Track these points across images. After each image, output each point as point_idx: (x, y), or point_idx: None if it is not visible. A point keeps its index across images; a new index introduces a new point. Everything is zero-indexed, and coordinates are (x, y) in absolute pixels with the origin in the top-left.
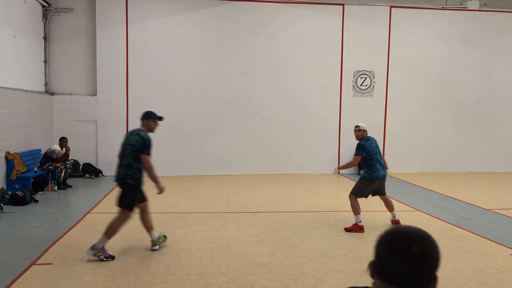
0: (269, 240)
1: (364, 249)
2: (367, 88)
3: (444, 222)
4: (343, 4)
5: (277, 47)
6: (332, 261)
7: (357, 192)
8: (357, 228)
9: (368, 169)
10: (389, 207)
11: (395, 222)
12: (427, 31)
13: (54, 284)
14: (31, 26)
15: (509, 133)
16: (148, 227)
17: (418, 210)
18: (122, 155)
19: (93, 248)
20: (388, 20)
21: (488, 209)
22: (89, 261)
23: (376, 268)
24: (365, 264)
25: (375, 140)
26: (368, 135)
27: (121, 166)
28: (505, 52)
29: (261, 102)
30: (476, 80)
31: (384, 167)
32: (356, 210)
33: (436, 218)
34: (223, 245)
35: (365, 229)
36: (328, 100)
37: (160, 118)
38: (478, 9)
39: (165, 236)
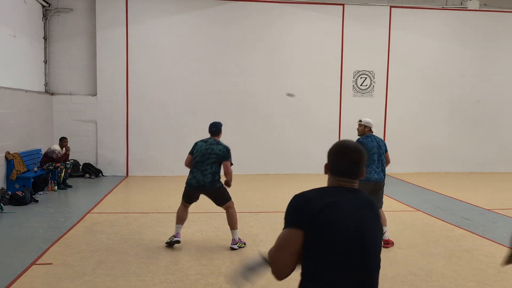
0: (269, 240)
1: None
2: (367, 88)
3: (444, 222)
4: (343, 4)
5: (277, 47)
6: None
7: None
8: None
9: None
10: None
11: (385, 242)
12: (427, 31)
13: (54, 284)
14: (31, 26)
15: (509, 133)
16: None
17: (418, 210)
18: (201, 163)
19: (234, 243)
20: (388, 20)
21: (488, 209)
22: (89, 261)
23: (329, 168)
24: None
25: (380, 140)
26: (374, 134)
27: (206, 173)
28: (505, 52)
29: (261, 102)
30: (476, 80)
31: (380, 171)
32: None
33: (436, 218)
34: (223, 245)
35: None
36: (328, 100)
37: None
38: (478, 9)
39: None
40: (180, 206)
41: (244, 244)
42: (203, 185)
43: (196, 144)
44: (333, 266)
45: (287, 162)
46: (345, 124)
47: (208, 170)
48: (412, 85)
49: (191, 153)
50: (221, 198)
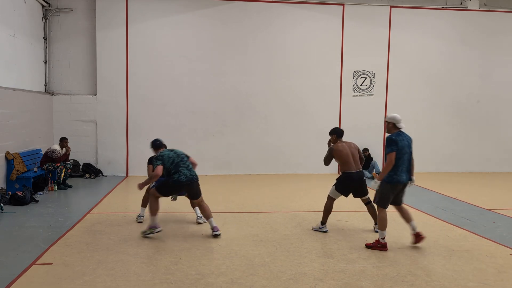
0: (269, 240)
1: (364, 249)
2: (367, 88)
3: (444, 222)
4: (343, 4)
5: (277, 47)
6: (332, 261)
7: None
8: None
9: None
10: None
11: (377, 244)
12: (427, 31)
13: (54, 284)
14: (31, 26)
15: (509, 133)
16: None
17: (418, 210)
18: (182, 162)
19: (216, 230)
20: (388, 20)
21: (488, 209)
22: (89, 261)
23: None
24: (365, 264)
25: (410, 139)
26: (399, 131)
27: (190, 168)
28: (505, 52)
29: (261, 102)
30: (476, 80)
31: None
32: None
33: (436, 218)
34: (223, 245)
35: (358, 230)
36: (328, 100)
37: None
38: (478, 9)
39: None
40: (154, 199)
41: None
42: (191, 179)
43: (162, 156)
44: None
45: (287, 162)
46: (345, 124)
47: (190, 166)
48: (412, 85)
49: (161, 164)
50: (199, 191)
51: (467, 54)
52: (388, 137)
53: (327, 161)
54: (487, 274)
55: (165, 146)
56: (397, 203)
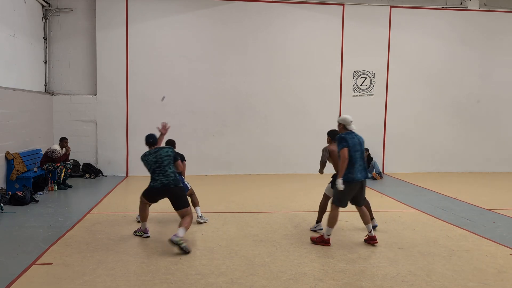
0: (269, 240)
1: (364, 249)
2: (367, 88)
3: (444, 222)
4: (343, 4)
5: (277, 47)
6: (332, 261)
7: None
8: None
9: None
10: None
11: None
12: (427, 31)
13: (54, 284)
14: (31, 26)
15: (509, 133)
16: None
17: (418, 210)
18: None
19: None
20: (388, 20)
21: (488, 209)
22: (89, 261)
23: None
24: (365, 264)
25: (361, 138)
26: (349, 131)
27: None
28: (505, 52)
29: (261, 102)
30: (476, 80)
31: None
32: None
33: (436, 218)
34: (223, 245)
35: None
36: (328, 100)
37: None
38: (478, 9)
39: None
40: (143, 205)
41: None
42: (166, 185)
43: (144, 161)
44: None
45: (287, 162)
46: None
47: (169, 171)
48: (412, 85)
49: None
50: (180, 201)
51: (467, 54)
52: (337, 136)
53: (322, 164)
54: (487, 274)
55: (154, 144)
56: (358, 203)
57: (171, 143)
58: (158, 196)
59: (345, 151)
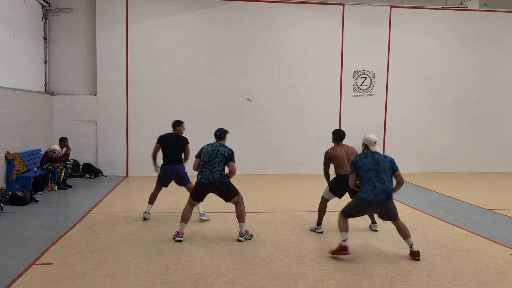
0: (269, 240)
1: (364, 249)
2: (367, 88)
3: (444, 222)
4: (343, 4)
5: (277, 47)
6: (332, 261)
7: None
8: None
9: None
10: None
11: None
12: (427, 31)
13: (54, 284)
14: (31, 26)
15: (509, 133)
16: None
17: (418, 210)
18: (209, 163)
19: (241, 235)
20: (388, 20)
21: (488, 209)
22: (89, 261)
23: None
24: (365, 264)
25: (379, 157)
26: (367, 152)
27: (214, 171)
28: (505, 52)
29: (262, 102)
30: (476, 80)
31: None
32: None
33: (436, 218)
34: (223, 245)
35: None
36: (328, 100)
37: None
38: (478, 9)
39: None
40: (186, 206)
41: (251, 236)
42: (213, 181)
43: (202, 148)
44: None
45: (287, 162)
46: (345, 124)
47: (216, 168)
48: (412, 85)
49: (198, 156)
50: (229, 193)
51: (467, 54)
52: (352, 159)
53: (325, 175)
54: (487, 274)
55: (220, 139)
56: (386, 219)
57: (178, 123)
58: (204, 192)
59: (352, 177)
